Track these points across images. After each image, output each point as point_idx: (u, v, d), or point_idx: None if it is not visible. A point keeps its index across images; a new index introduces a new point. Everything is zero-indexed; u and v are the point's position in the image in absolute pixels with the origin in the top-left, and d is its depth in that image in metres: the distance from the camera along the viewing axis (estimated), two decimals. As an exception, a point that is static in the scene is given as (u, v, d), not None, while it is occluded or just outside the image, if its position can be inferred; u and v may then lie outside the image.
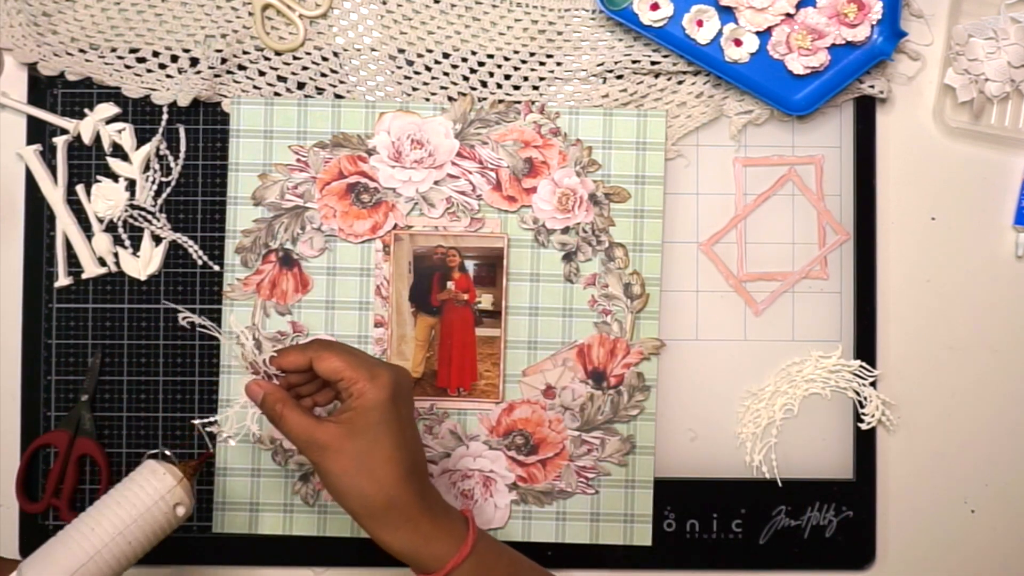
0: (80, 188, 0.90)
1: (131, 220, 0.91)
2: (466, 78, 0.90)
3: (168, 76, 0.90)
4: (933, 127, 0.92)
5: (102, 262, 0.90)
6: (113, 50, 0.90)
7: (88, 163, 0.91)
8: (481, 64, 0.90)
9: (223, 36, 0.89)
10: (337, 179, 0.89)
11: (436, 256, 0.89)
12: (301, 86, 0.90)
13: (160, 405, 0.90)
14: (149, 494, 0.78)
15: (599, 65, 0.90)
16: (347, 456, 0.73)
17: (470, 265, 0.89)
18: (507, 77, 0.90)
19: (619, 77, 0.90)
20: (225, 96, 0.90)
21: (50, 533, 0.90)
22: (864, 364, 0.90)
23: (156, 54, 0.90)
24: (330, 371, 0.74)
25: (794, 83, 0.89)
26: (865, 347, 0.90)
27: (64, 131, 0.90)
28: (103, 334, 0.91)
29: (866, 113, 0.91)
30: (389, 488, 0.74)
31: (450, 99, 0.90)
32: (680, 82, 0.91)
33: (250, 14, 0.90)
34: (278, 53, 0.90)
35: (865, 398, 0.90)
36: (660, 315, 0.89)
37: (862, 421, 0.90)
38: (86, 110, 0.90)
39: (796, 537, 0.90)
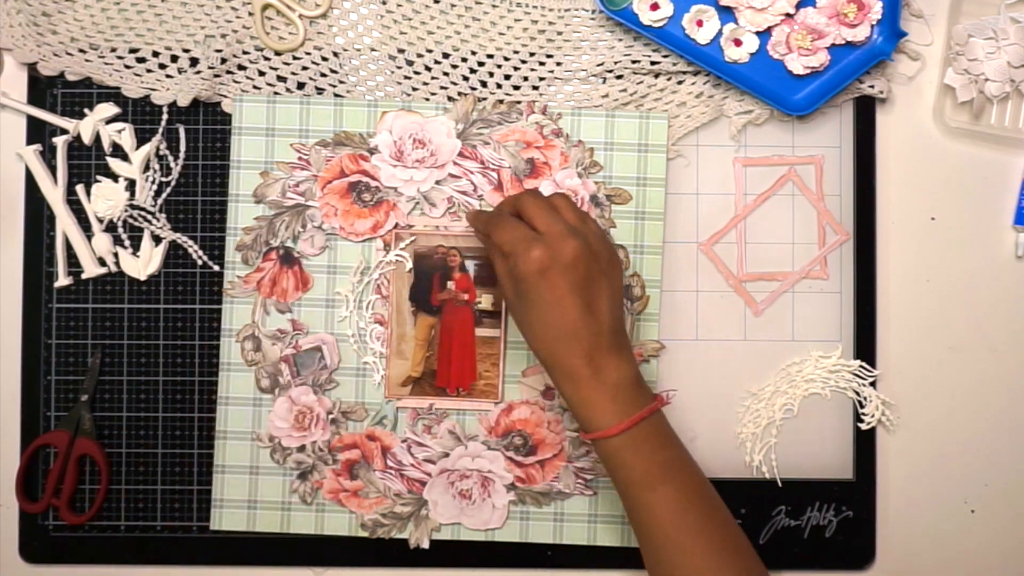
0: (80, 188, 0.90)
1: (131, 220, 0.91)
2: (466, 78, 0.90)
3: (168, 76, 0.90)
4: (933, 127, 0.92)
5: (102, 262, 0.90)
6: (113, 50, 0.90)
7: (88, 163, 0.91)
8: (481, 64, 0.90)
9: (223, 36, 0.89)
10: (338, 178, 0.89)
11: (437, 256, 0.89)
12: (301, 86, 0.90)
13: (160, 405, 0.90)
14: None
15: (599, 65, 0.90)
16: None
17: (471, 265, 0.89)
18: (507, 77, 0.90)
19: (619, 77, 0.91)
20: (225, 96, 0.90)
21: (50, 533, 0.90)
22: (864, 364, 0.90)
23: (156, 54, 0.90)
24: (499, 242, 0.79)
25: (794, 83, 0.89)
26: (865, 347, 0.90)
27: (64, 131, 0.90)
28: (103, 334, 0.90)
29: (866, 113, 0.91)
30: (548, 346, 0.77)
31: (450, 99, 0.90)
32: (680, 82, 0.91)
33: (250, 14, 0.90)
34: (278, 53, 0.90)
35: (865, 398, 0.90)
36: (660, 316, 0.89)
37: (862, 421, 0.90)
38: (86, 110, 0.90)
39: (796, 537, 0.90)
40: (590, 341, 0.76)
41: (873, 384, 0.90)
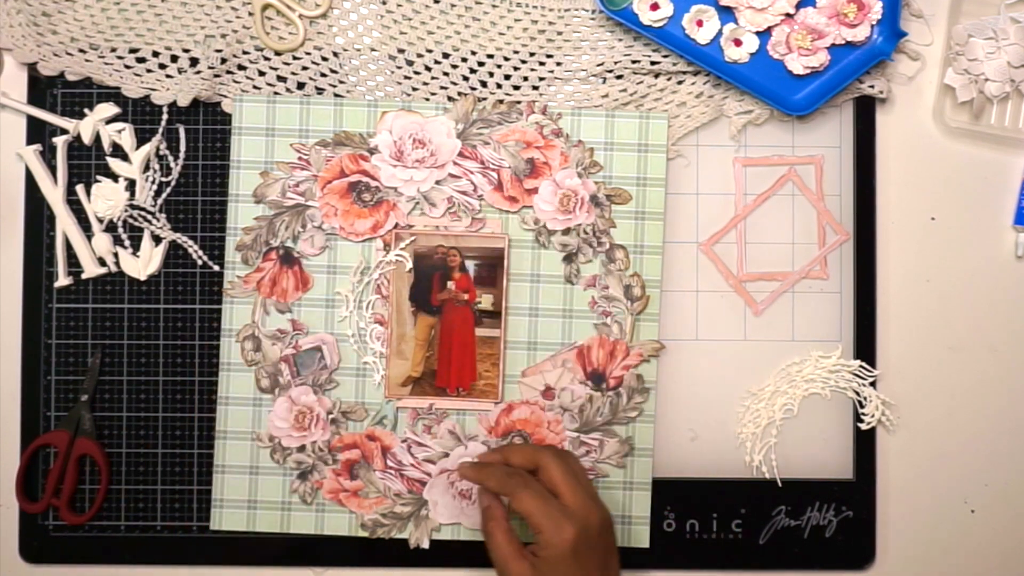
0: (80, 188, 0.90)
1: (131, 220, 0.91)
2: (466, 78, 0.90)
3: (168, 76, 0.90)
4: (933, 127, 0.92)
5: (102, 262, 0.90)
6: (113, 50, 0.90)
7: (88, 163, 0.91)
8: (481, 64, 0.90)
9: (223, 36, 0.89)
10: (338, 178, 0.89)
11: (437, 256, 0.89)
12: (301, 86, 0.90)
13: (160, 405, 0.90)
14: None
15: (599, 65, 0.90)
16: None
17: (471, 265, 0.89)
18: (507, 77, 0.90)
19: (619, 77, 0.91)
20: (225, 96, 0.90)
21: (50, 533, 0.90)
22: (864, 364, 0.90)
23: (156, 54, 0.90)
24: (523, 512, 0.77)
25: (794, 83, 0.89)
26: (865, 347, 0.90)
27: (64, 131, 0.90)
28: (103, 334, 0.90)
29: (866, 113, 0.91)
30: None
31: (450, 99, 0.90)
32: (680, 82, 0.91)
33: (250, 14, 0.90)
34: (278, 53, 0.90)
35: (865, 398, 0.90)
36: (660, 316, 0.89)
37: (862, 421, 0.90)
38: (86, 110, 0.90)
39: (796, 537, 0.90)
40: None
41: (873, 384, 0.90)
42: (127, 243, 0.90)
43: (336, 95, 0.90)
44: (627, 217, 0.89)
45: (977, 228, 0.92)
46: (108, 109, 0.90)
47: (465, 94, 0.90)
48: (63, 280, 0.90)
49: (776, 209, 0.92)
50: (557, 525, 0.76)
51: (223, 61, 0.89)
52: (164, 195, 0.91)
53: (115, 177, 0.91)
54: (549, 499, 0.77)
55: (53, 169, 0.90)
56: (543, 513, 0.76)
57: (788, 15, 0.88)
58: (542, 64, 0.90)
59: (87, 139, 0.90)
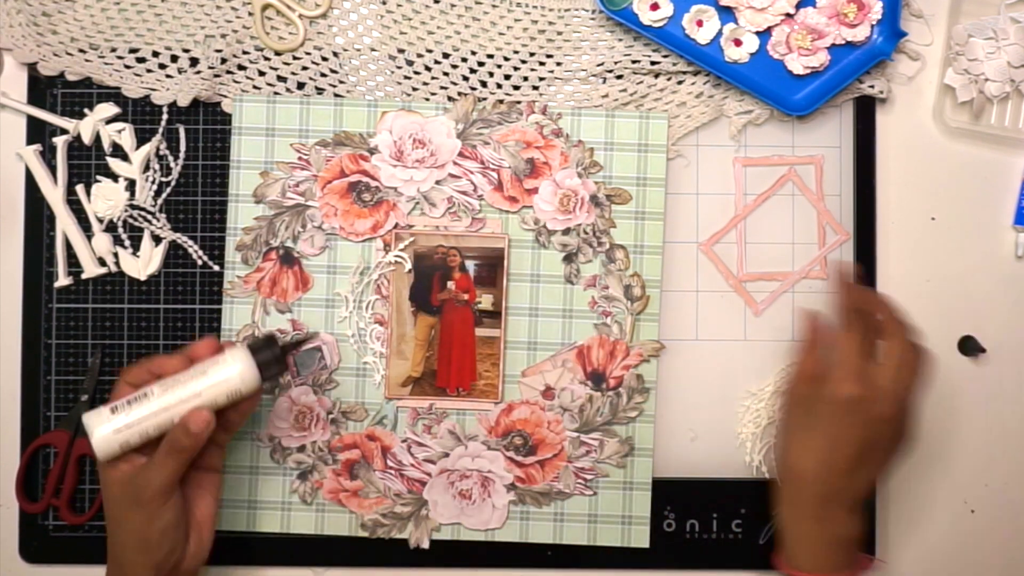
0: (80, 188, 0.90)
1: (131, 220, 0.91)
2: (466, 78, 0.90)
3: (168, 76, 0.90)
4: (933, 127, 0.92)
5: (102, 262, 0.90)
6: (113, 50, 0.90)
7: (88, 163, 0.91)
8: (481, 64, 0.90)
9: (223, 36, 0.89)
10: (338, 178, 0.89)
11: (437, 256, 0.89)
12: (301, 86, 0.90)
13: (160, 405, 0.90)
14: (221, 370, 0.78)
15: (599, 65, 0.90)
16: None
17: (471, 265, 0.89)
18: (507, 77, 0.90)
19: (619, 77, 0.91)
20: (225, 96, 0.90)
21: (50, 533, 0.90)
22: (864, 364, 0.90)
23: (156, 54, 0.90)
24: (838, 345, 0.78)
25: (794, 83, 0.89)
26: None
27: (64, 131, 0.90)
28: (103, 334, 0.90)
29: (866, 113, 0.91)
30: (799, 468, 0.79)
31: (450, 99, 0.90)
32: (680, 82, 0.91)
33: (250, 14, 0.90)
34: (278, 53, 0.90)
35: (865, 398, 0.90)
36: (660, 316, 0.89)
37: (862, 421, 0.90)
38: (86, 110, 0.90)
39: (796, 537, 0.90)
40: (839, 488, 0.78)
41: (873, 384, 0.90)
42: (127, 243, 0.90)
43: (336, 95, 0.90)
44: (627, 217, 0.89)
45: (977, 228, 0.92)
46: (108, 109, 0.90)
47: (465, 94, 0.90)
48: (63, 280, 0.90)
49: (776, 209, 0.92)
50: (853, 383, 0.76)
51: (223, 61, 0.89)
52: (164, 195, 0.91)
53: (115, 177, 0.91)
54: (868, 359, 0.78)
55: (53, 169, 0.90)
56: (853, 366, 0.77)
57: (788, 15, 0.88)
58: (542, 64, 0.90)
59: (87, 139, 0.90)
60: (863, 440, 0.78)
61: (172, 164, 0.91)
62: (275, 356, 0.79)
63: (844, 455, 0.78)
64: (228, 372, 0.78)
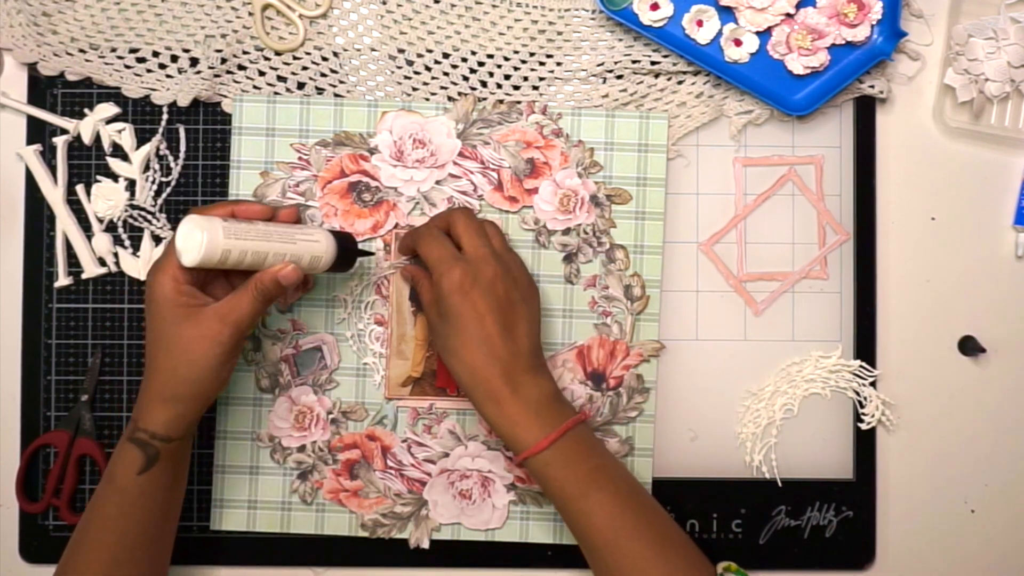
0: (80, 188, 0.90)
1: (131, 220, 0.91)
2: (466, 78, 0.90)
3: (168, 76, 0.90)
4: (933, 127, 0.92)
5: (102, 262, 0.90)
6: (113, 50, 0.90)
7: (88, 163, 0.91)
8: (481, 64, 0.90)
9: (223, 36, 0.89)
10: (338, 178, 0.89)
11: (436, 256, 0.89)
12: (301, 86, 0.90)
13: (160, 405, 0.90)
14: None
15: (599, 65, 0.90)
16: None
17: (470, 265, 0.89)
18: (507, 77, 0.90)
19: (619, 77, 0.91)
20: (225, 96, 0.90)
21: (50, 533, 0.90)
22: (864, 364, 0.90)
23: (156, 54, 0.90)
24: (424, 256, 0.82)
25: (794, 83, 0.89)
26: (865, 347, 0.90)
27: (64, 131, 0.90)
28: (103, 334, 0.90)
29: (866, 113, 0.91)
30: (469, 366, 0.80)
31: (450, 99, 0.90)
32: (680, 82, 0.91)
33: (250, 14, 0.90)
34: (278, 53, 0.90)
35: (865, 398, 0.90)
36: (660, 316, 0.89)
37: (862, 421, 0.90)
38: (86, 110, 0.90)
39: (796, 537, 0.90)
40: (508, 361, 0.79)
41: (873, 384, 0.90)
42: (127, 243, 0.90)
43: (336, 95, 0.90)
44: (627, 217, 0.89)
45: (977, 228, 0.92)
46: (108, 109, 0.90)
47: (465, 94, 0.90)
48: (63, 280, 0.90)
49: (776, 209, 0.92)
50: (449, 266, 0.80)
51: (223, 61, 0.89)
52: (164, 195, 0.91)
53: (115, 177, 0.91)
54: (447, 245, 0.82)
55: (53, 169, 0.90)
56: (440, 257, 0.81)
57: (788, 15, 0.88)
58: (542, 64, 0.90)
59: (87, 139, 0.90)
60: (496, 303, 0.80)
61: (172, 164, 0.91)
62: (351, 246, 0.84)
63: (492, 325, 0.79)
64: (316, 238, 0.80)
